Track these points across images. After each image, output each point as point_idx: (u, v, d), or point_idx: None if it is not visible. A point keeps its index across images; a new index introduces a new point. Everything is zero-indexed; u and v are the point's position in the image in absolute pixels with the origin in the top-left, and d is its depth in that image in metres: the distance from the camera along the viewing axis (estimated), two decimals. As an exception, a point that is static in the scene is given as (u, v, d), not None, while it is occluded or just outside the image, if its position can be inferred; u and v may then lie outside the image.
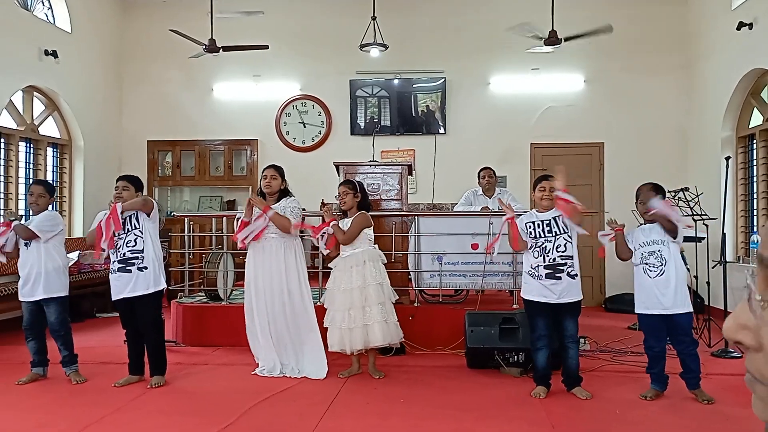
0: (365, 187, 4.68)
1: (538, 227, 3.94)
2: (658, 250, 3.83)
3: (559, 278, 3.87)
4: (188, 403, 3.84)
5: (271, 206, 4.44)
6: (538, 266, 3.90)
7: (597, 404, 3.78)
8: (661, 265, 3.81)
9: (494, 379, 4.36)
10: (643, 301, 3.89)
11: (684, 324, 3.85)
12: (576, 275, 3.91)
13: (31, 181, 7.17)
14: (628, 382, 4.27)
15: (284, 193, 4.60)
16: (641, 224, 4.05)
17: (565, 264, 3.88)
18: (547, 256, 3.89)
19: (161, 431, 3.35)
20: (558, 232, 3.90)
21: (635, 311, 3.98)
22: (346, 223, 4.48)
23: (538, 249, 3.92)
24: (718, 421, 3.46)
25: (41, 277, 4.26)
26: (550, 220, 3.93)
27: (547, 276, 3.88)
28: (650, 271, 3.84)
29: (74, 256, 6.42)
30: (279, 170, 4.63)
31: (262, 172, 4.66)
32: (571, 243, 3.91)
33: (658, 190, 3.93)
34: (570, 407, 3.73)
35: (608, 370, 4.59)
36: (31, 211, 4.42)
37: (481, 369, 4.58)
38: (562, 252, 3.89)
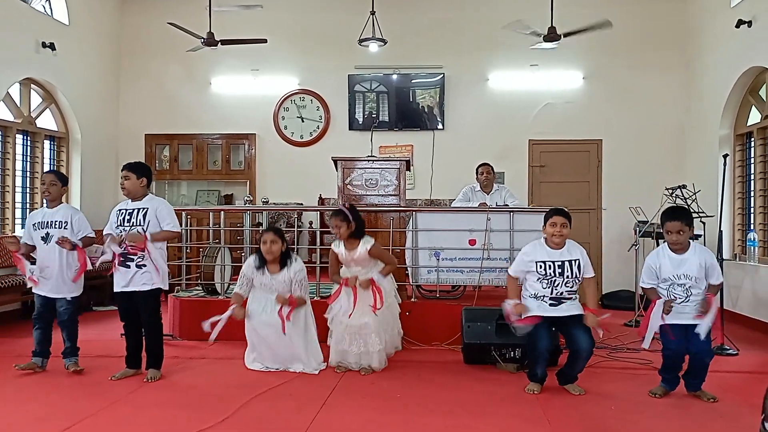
0: (356, 210, 4.54)
1: (550, 267, 3.90)
2: (689, 287, 3.77)
3: (562, 306, 3.90)
4: (184, 396, 3.85)
5: (280, 274, 4.36)
6: (544, 296, 3.90)
7: (593, 400, 3.79)
8: (688, 296, 3.78)
9: (491, 375, 4.37)
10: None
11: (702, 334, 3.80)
12: (575, 299, 3.94)
13: (28, 174, 7.18)
14: (624, 378, 4.30)
15: (285, 255, 4.44)
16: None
17: (570, 297, 3.91)
18: (555, 288, 3.89)
19: (157, 425, 3.35)
20: (570, 275, 3.88)
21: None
22: (342, 250, 4.47)
23: (546, 281, 3.90)
24: (713, 419, 3.47)
25: (57, 277, 4.25)
26: (563, 263, 3.89)
27: (551, 305, 3.90)
28: (677, 296, 3.79)
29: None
30: (279, 233, 4.43)
31: (261, 238, 4.44)
32: (579, 281, 3.92)
33: (689, 220, 3.81)
34: (566, 404, 3.74)
35: (604, 366, 4.60)
36: (45, 201, 4.39)
37: (478, 365, 4.60)
38: (570, 288, 3.90)
